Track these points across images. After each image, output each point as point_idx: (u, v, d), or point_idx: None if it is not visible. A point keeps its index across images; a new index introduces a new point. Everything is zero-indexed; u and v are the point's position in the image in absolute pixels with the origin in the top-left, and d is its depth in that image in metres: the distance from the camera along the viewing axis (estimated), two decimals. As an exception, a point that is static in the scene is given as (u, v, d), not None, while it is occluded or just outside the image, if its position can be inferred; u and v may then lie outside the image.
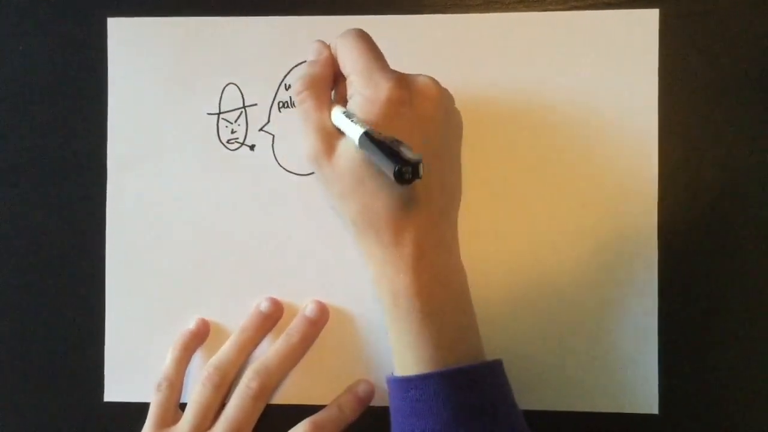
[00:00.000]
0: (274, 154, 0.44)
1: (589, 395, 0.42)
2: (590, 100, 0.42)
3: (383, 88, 0.35)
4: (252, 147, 0.44)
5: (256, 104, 0.44)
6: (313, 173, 0.43)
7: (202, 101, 0.44)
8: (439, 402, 0.34)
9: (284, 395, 0.43)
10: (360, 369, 0.43)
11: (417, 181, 0.31)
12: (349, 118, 0.34)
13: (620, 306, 0.42)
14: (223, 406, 0.41)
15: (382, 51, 0.37)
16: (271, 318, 0.43)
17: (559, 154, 0.43)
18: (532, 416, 0.42)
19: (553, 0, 0.43)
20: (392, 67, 0.43)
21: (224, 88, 0.44)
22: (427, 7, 0.43)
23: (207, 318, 0.43)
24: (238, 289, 0.43)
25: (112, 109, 0.44)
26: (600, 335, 0.42)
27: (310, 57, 0.39)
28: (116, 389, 0.44)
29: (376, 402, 0.42)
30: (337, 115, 0.36)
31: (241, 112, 0.44)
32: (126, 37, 0.44)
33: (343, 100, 0.37)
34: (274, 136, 0.44)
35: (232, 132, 0.44)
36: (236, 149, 0.44)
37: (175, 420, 0.42)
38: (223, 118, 0.44)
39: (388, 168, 0.31)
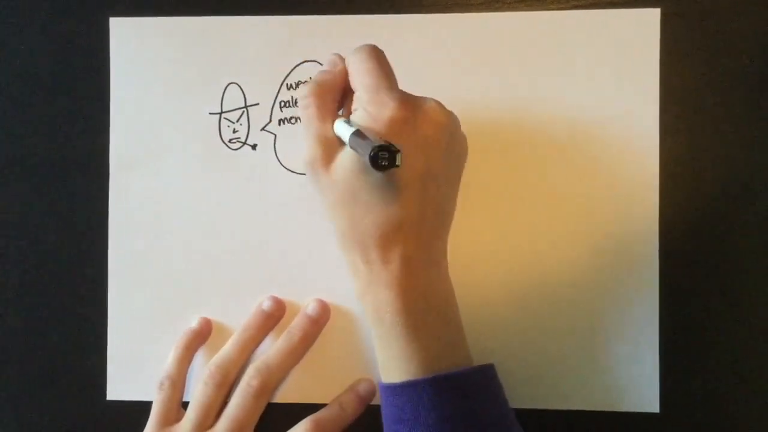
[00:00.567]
0: (276, 154, 0.44)
1: (590, 394, 0.42)
2: (591, 99, 0.42)
3: (388, 106, 0.35)
4: (254, 146, 0.44)
5: (257, 104, 0.44)
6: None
7: (204, 101, 0.44)
8: (424, 409, 0.34)
9: (285, 394, 0.43)
10: (361, 367, 0.43)
11: (411, 200, 0.31)
12: (351, 128, 0.34)
13: (621, 305, 0.42)
14: (225, 404, 0.41)
15: (390, 64, 0.37)
16: (273, 317, 0.43)
17: (559, 153, 0.43)
18: (533, 415, 0.42)
19: (555, -1, 0.43)
20: (393, 66, 0.43)
21: (226, 88, 0.44)
22: (428, 7, 0.43)
23: (209, 317, 0.43)
24: (240, 288, 0.43)
25: (115, 109, 0.44)
26: (601, 334, 0.42)
27: (325, 67, 0.39)
28: (119, 388, 0.44)
29: (377, 401, 0.42)
30: (339, 126, 0.36)
31: (243, 111, 0.44)
32: (128, 37, 0.44)
33: (349, 115, 0.37)
34: (276, 135, 0.44)
35: (234, 131, 0.44)
36: (238, 149, 0.44)
37: (178, 419, 0.42)
38: (225, 118, 0.44)
39: (365, 151, 0.31)
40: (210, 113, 0.44)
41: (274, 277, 0.43)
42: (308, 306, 0.43)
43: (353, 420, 0.42)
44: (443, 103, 0.37)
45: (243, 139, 0.44)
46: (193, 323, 0.43)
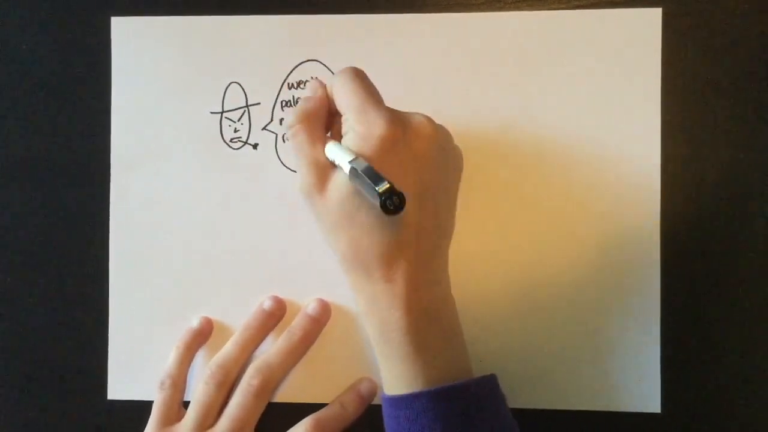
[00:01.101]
0: (277, 153, 0.44)
1: (592, 394, 0.42)
2: (592, 98, 0.42)
3: (377, 125, 0.35)
4: (255, 146, 0.44)
5: (259, 103, 0.44)
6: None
7: (205, 100, 0.44)
8: (430, 420, 0.34)
9: (286, 393, 0.43)
10: (362, 367, 0.43)
11: (409, 217, 0.31)
12: (342, 151, 0.34)
13: (623, 305, 0.42)
14: (226, 404, 0.41)
15: (376, 87, 0.37)
16: (274, 316, 0.43)
17: (560, 152, 0.43)
18: (535, 415, 0.42)
19: (556, -1, 0.43)
20: (392, 66, 0.43)
21: (227, 87, 0.44)
22: (429, 6, 0.43)
23: (210, 316, 0.43)
24: (241, 287, 0.43)
25: (116, 109, 0.44)
26: (602, 334, 0.42)
27: (306, 94, 0.39)
28: (120, 387, 0.44)
29: (378, 400, 0.42)
30: (331, 148, 0.36)
31: (244, 111, 0.44)
32: (129, 37, 0.44)
33: (338, 137, 0.37)
34: (277, 135, 0.44)
35: (235, 131, 0.44)
36: (239, 148, 0.44)
37: (179, 418, 0.42)
38: (226, 117, 0.44)
39: (374, 196, 0.31)
40: (211, 113, 0.44)
41: (274, 276, 0.43)
42: (309, 305, 0.43)
43: (354, 419, 0.42)
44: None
45: (244, 139, 0.44)
46: (194, 323, 0.43)
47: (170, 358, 0.43)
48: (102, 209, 0.44)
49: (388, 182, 0.31)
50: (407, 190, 0.33)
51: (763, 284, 0.42)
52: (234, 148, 0.44)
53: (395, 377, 0.35)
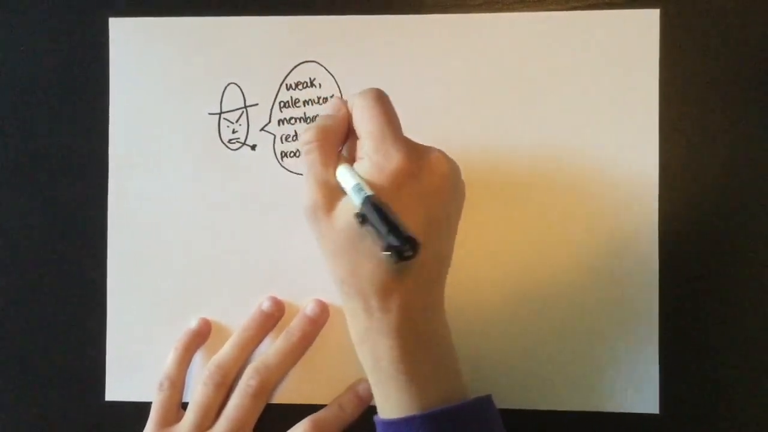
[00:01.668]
0: (276, 154, 0.44)
1: (590, 395, 0.42)
2: (590, 99, 0.42)
3: (394, 158, 0.34)
4: (253, 147, 0.44)
5: (257, 104, 0.44)
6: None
7: (204, 101, 0.44)
8: None
9: (284, 394, 0.43)
10: (360, 368, 0.42)
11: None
12: (354, 179, 0.34)
13: (621, 306, 0.42)
14: (224, 405, 0.41)
15: (396, 113, 0.36)
16: (273, 317, 0.43)
17: (558, 154, 0.43)
18: (534, 417, 0.42)
19: (554, 0, 0.43)
20: (391, 67, 0.43)
21: (225, 88, 0.44)
22: (427, 7, 0.43)
23: (208, 317, 0.43)
24: (239, 288, 0.43)
25: (114, 109, 0.44)
26: (601, 335, 0.42)
27: (328, 111, 0.38)
28: (117, 389, 0.44)
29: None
30: (343, 173, 0.35)
31: (243, 111, 0.44)
32: (127, 38, 0.44)
33: (351, 159, 0.37)
34: (275, 135, 0.44)
35: (234, 132, 0.44)
36: (237, 149, 0.44)
37: (178, 419, 0.42)
38: (224, 118, 0.44)
39: (387, 240, 0.31)
40: (209, 113, 0.44)
41: (272, 277, 0.43)
42: (307, 306, 0.43)
43: (353, 420, 0.41)
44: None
45: (242, 140, 0.44)
46: (192, 324, 0.43)
47: (168, 359, 0.43)
48: (100, 210, 0.44)
49: (403, 227, 0.31)
50: (414, 223, 0.33)
51: (762, 286, 0.42)
52: (232, 149, 0.44)
53: (388, 403, 0.35)
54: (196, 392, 0.41)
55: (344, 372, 0.43)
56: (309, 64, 0.44)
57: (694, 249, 0.42)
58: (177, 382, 0.42)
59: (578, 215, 0.42)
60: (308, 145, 0.37)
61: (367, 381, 0.42)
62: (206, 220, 0.44)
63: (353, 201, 0.34)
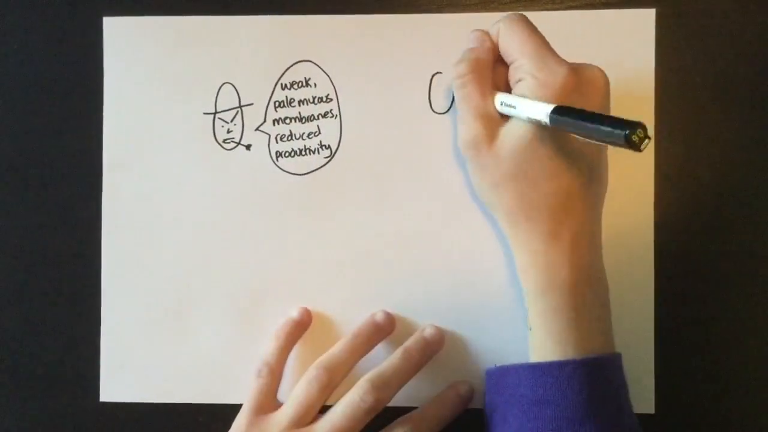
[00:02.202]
0: (271, 154, 0.44)
1: (586, 395, 0.42)
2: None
3: (558, 73, 0.35)
4: (248, 147, 0.44)
5: (252, 104, 0.44)
6: (309, 173, 0.43)
7: (198, 101, 0.44)
8: (572, 390, 0.34)
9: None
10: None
11: (579, 170, 0.32)
12: (526, 100, 0.34)
13: (617, 306, 0.42)
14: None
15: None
16: (384, 331, 0.41)
17: (555, 153, 0.42)
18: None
19: (550, -1, 0.43)
20: (387, 66, 0.43)
21: (220, 88, 0.44)
22: (423, 7, 0.43)
23: (205, 317, 0.43)
24: (233, 289, 0.43)
25: (108, 109, 0.44)
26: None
27: (472, 45, 0.39)
28: (112, 390, 0.44)
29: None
30: (507, 99, 0.35)
31: (237, 111, 0.44)
32: (122, 37, 0.44)
33: (496, 88, 0.38)
34: (270, 135, 0.44)
35: (228, 132, 0.44)
36: (232, 149, 0.44)
37: (273, 408, 0.40)
38: (219, 118, 0.44)
39: (610, 135, 0.29)
40: (204, 113, 0.44)
41: (267, 278, 0.43)
42: (425, 330, 0.41)
43: (452, 420, 0.40)
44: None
45: (237, 140, 0.44)
46: (294, 313, 0.42)
47: (269, 346, 0.41)
48: (93, 210, 0.44)
49: (614, 118, 0.30)
50: (580, 142, 0.34)
51: (758, 285, 0.42)
52: (227, 149, 0.44)
53: (545, 336, 0.35)
54: (299, 389, 0.39)
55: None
56: (304, 63, 0.44)
57: (690, 249, 0.42)
58: (276, 371, 0.41)
59: (574, 215, 0.42)
60: (462, 79, 0.37)
61: (467, 382, 0.41)
62: (201, 220, 0.44)
63: (535, 116, 0.33)
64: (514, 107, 0.35)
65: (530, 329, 0.37)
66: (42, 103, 0.44)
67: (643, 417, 0.42)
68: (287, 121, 0.44)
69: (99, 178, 0.44)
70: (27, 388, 0.44)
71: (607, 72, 0.42)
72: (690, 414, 0.42)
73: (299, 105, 0.44)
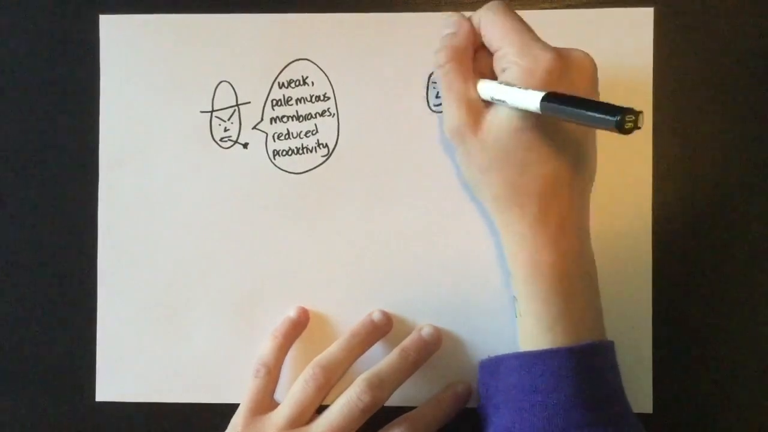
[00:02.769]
0: (268, 153, 0.43)
1: (583, 394, 0.42)
2: (584, 98, 0.42)
3: (543, 59, 0.34)
4: (245, 145, 0.43)
5: (249, 102, 0.44)
6: (306, 171, 0.43)
7: (195, 99, 0.44)
8: (564, 377, 0.34)
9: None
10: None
11: (567, 155, 0.31)
12: (511, 87, 0.34)
13: (614, 306, 0.42)
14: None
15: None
16: (381, 330, 0.41)
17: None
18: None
19: (548, -2, 0.43)
20: (384, 64, 0.43)
21: (217, 86, 0.44)
22: (420, 5, 0.43)
23: (201, 316, 0.43)
24: (230, 288, 0.43)
25: (104, 107, 0.44)
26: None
27: (449, 30, 0.38)
28: (108, 389, 0.43)
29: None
30: (490, 87, 0.35)
31: (235, 110, 0.44)
32: (118, 35, 0.44)
33: (480, 75, 0.37)
34: (267, 134, 0.43)
35: (225, 130, 0.44)
36: (229, 147, 0.44)
37: (270, 408, 0.40)
38: (216, 116, 0.44)
39: (601, 121, 0.29)
40: (201, 111, 0.44)
41: (264, 277, 0.43)
42: (423, 329, 0.41)
43: (450, 420, 0.40)
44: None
45: (234, 138, 0.44)
46: (292, 313, 0.42)
47: (266, 346, 0.41)
48: (90, 208, 0.44)
49: (604, 104, 0.30)
50: (568, 131, 0.34)
51: (755, 287, 0.42)
52: (224, 148, 0.44)
53: (534, 324, 0.35)
54: (296, 389, 0.39)
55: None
56: (301, 61, 0.43)
57: (688, 249, 0.42)
58: (273, 371, 0.41)
59: (572, 214, 0.42)
60: (444, 67, 0.37)
61: (464, 382, 0.41)
62: (197, 219, 0.43)
63: (523, 104, 0.33)
64: (503, 100, 0.35)
65: (519, 316, 0.37)
66: (38, 102, 0.44)
67: (641, 417, 0.41)
68: (284, 119, 0.44)
69: (95, 177, 0.44)
70: (23, 387, 0.44)
71: (605, 70, 0.42)
72: (687, 414, 0.42)
73: (296, 103, 0.43)
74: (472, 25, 0.38)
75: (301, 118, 0.43)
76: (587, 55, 0.36)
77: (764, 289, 0.42)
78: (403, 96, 0.43)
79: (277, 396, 0.41)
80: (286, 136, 0.43)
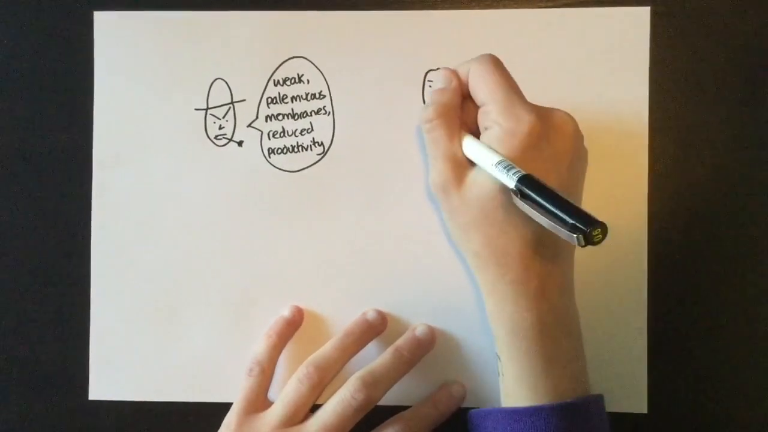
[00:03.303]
0: (263, 151, 0.43)
1: (578, 394, 0.42)
2: (580, 97, 0.42)
3: (524, 121, 0.35)
4: (240, 143, 0.43)
5: (244, 100, 0.43)
6: (301, 170, 0.43)
7: (190, 96, 0.43)
8: None
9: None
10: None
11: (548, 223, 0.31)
12: (494, 154, 0.34)
13: (609, 306, 0.42)
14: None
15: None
16: (375, 329, 0.41)
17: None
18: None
19: (544, -3, 0.43)
20: (382, 64, 0.43)
21: (212, 84, 0.43)
22: (415, 4, 0.43)
23: (197, 316, 0.43)
24: (225, 286, 0.43)
25: (98, 105, 0.44)
26: (589, 335, 0.42)
27: (439, 84, 0.39)
28: (101, 388, 0.43)
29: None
30: (474, 148, 0.36)
31: (229, 107, 0.43)
32: (113, 32, 0.44)
33: (467, 128, 0.37)
34: (262, 132, 0.43)
35: (220, 128, 0.43)
36: (224, 145, 0.43)
37: (264, 407, 0.40)
38: (211, 114, 0.43)
39: (564, 226, 0.30)
40: (196, 109, 0.43)
41: (259, 276, 0.43)
42: (417, 328, 0.41)
43: (444, 421, 0.40)
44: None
45: (229, 136, 0.43)
46: (286, 312, 0.42)
47: (260, 345, 0.41)
48: (84, 207, 0.44)
49: (581, 210, 0.30)
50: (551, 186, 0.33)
51: (751, 286, 0.42)
52: (219, 145, 0.43)
53: (517, 382, 0.35)
54: (289, 388, 0.39)
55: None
56: (297, 59, 0.43)
57: (683, 249, 0.42)
58: (267, 369, 0.40)
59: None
60: (430, 123, 0.37)
61: (459, 383, 0.41)
62: (192, 217, 0.43)
63: (500, 179, 0.33)
64: (481, 162, 0.35)
65: (501, 375, 0.37)
66: (31, 99, 0.44)
67: (636, 417, 0.42)
68: (280, 117, 0.43)
69: (89, 174, 0.44)
70: (15, 386, 0.44)
71: (601, 70, 0.42)
72: (682, 414, 0.42)
73: (292, 101, 0.43)
74: (460, 80, 0.38)
75: (296, 116, 0.43)
76: (569, 116, 0.36)
77: (759, 290, 0.42)
78: (398, 94, 0.43)
79: (271, 395, 0.41)
80: (282, 134, 0.43)
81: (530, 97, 0.42)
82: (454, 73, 0.38)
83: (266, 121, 0.43)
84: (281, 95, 0.43)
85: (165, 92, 0.43)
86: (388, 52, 0.43)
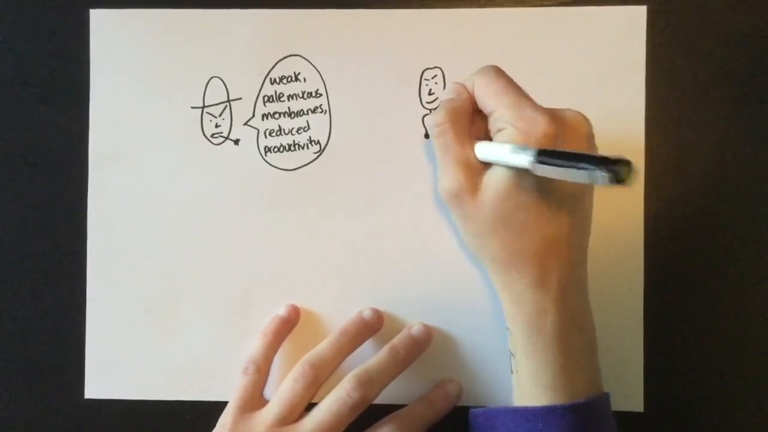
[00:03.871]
0: (259, 149, 0.43)
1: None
2: (576, 96, 0.42)
3: (538, 122, 0.34)
4: (236, 141, 0.43)
5: (240, 98, 0.43)
6: (298, 168, 0.43)
7: (186, 95, 0.43)
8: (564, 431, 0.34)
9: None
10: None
11: (564, 216, 0.31)
12: (506, 144, 0.34)
13: (607, 307, 0.42)
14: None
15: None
16: (372, 327, 0.41)
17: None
18: (517, 414, 0.42)
19: (541, -5, 0.43)
20: (378, 63, 0.43)
21: (208, 82, 0.43)
22: (412, 2, 0.43)
23: (196, 315, 0.43)
24: (221, 285, 0.43)
25: (94, 103, 0.44)
26: (586, 333, 0.42)
27: (448, 95, 0.39)
28: (97, 386, 0.43)
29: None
30: (487, 147, 0.35)
31: (226, 106, 0.43)
32: (108, 30, 0.44)
33: (475, 139, 0.37)
34: (258, 130, 0.43)
35: (217, 126, 0.43)
36: (220, 143, 0.43)
37: (260, 406, 0.39)
38: (207, 112, 0.43)
39: (594, 176, 0.29)
40: (192, 107, 0.43)
41: (255, 274, 0.43)
42: (413, 327, 0.41)
43: (439, 419, 0.40)
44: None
45: (225, 134, 0.43)
46: (282, 311, 0.42)
47: (256, 344, 0.41)
48: (79, 206, 0.43)
49: (597, 156, 0.30)
50: (564, 190, 0.34)
51: (747, 285, 0.42)
52: (215, 144, 0.43)
53: (532, 383, 0.35)
54: (284, 386, 0.39)
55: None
56: (293, 58, 0.43)
57: (680, 248, 0.42)
58: (263, 368, 0.40)
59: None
60: (440, 127, 0.37)
61: (455, 381, 0.41)
62: (188, 216, 0.43)
63: (518, 163, 0.33)
64: (499, 160, 0.35)
65: (515, 372, 0.37)
66: (27, 97, 0.44)
67: (632, 415, 0.42)
68: (276, 116, 0.43)
69: (85, 173, 0.43)
70: (11, 384, 0.44)
71: (597, 68, 0.42)
72: (679, 413, 0.42)
73: (288, 100, 0.43)
74: (470, 93, 0.38)
75: (292, 115, 0.43)
76: (582, 116, 0.36)
77: (755, 290, 0.42)
78: (395, 93, 0.43)
79: (267, 394, 0.41)
80: (278, 133, 0.43)
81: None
82: (464, 86, 0.38)
83: (263, 119, 0.43)
84: (278, 93, 0.43)
85: (161, 90, 0.43)
86: (385, 51, 0.43)
